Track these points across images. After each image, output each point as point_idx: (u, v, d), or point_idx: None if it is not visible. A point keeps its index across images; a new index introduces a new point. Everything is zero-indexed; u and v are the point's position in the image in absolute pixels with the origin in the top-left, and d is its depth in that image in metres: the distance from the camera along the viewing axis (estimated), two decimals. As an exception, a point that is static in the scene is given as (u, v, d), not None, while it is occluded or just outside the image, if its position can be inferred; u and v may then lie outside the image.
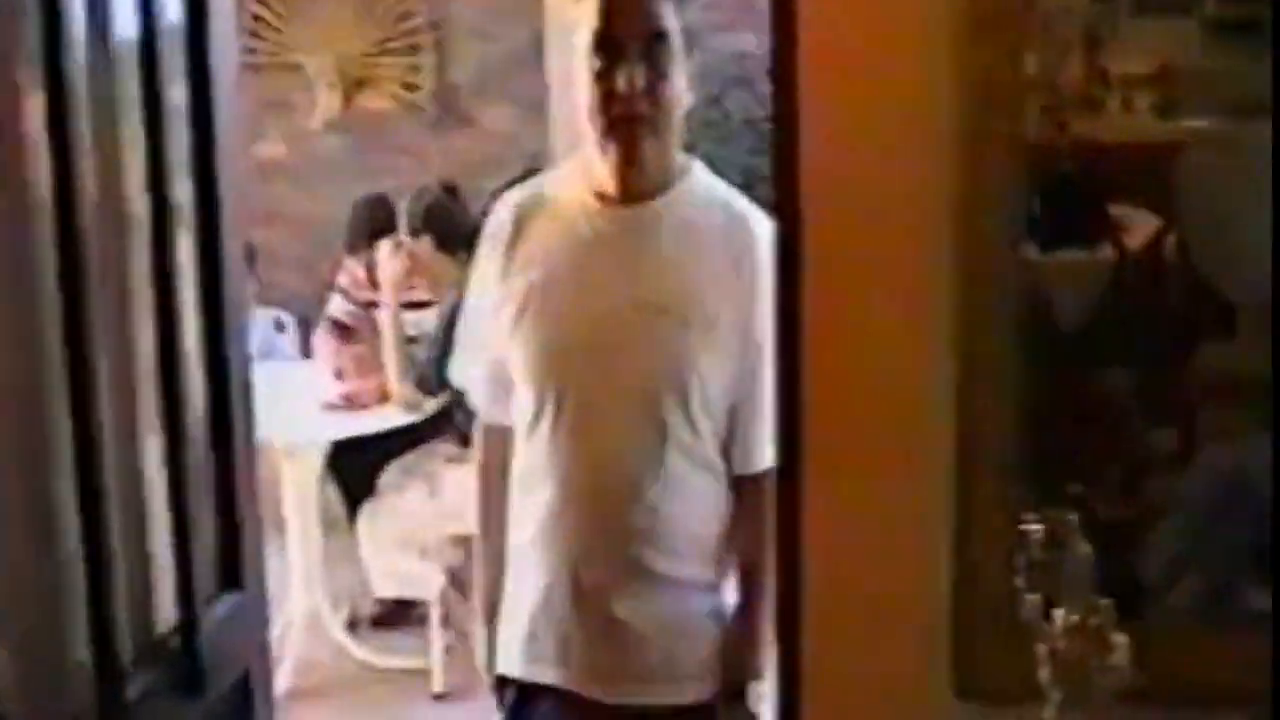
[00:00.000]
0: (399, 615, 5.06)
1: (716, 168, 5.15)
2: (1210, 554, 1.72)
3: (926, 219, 1.69)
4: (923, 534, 1.71)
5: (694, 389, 2.29)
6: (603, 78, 2.23)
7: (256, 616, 2.10)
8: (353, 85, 6.60)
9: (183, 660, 1.82)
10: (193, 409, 1.89)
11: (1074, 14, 1.70)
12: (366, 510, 4.78)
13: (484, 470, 2.57)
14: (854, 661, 1.73)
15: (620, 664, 2.38)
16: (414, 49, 6.54)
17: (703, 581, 2.42)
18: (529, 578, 2.42)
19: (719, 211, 2.48)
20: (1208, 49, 1.72)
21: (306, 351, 5.71)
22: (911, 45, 1.67)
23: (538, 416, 2.36)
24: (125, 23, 1.74)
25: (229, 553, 1.98)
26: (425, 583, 4.74)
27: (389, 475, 4.91)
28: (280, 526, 4.77)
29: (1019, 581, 1.52)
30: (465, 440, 4.63)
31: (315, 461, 4.80)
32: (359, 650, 4.86)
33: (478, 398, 2.56)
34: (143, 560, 1.82)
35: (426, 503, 4.70)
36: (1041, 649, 1.45)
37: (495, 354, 2.44)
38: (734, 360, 2.32)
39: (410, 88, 6.58)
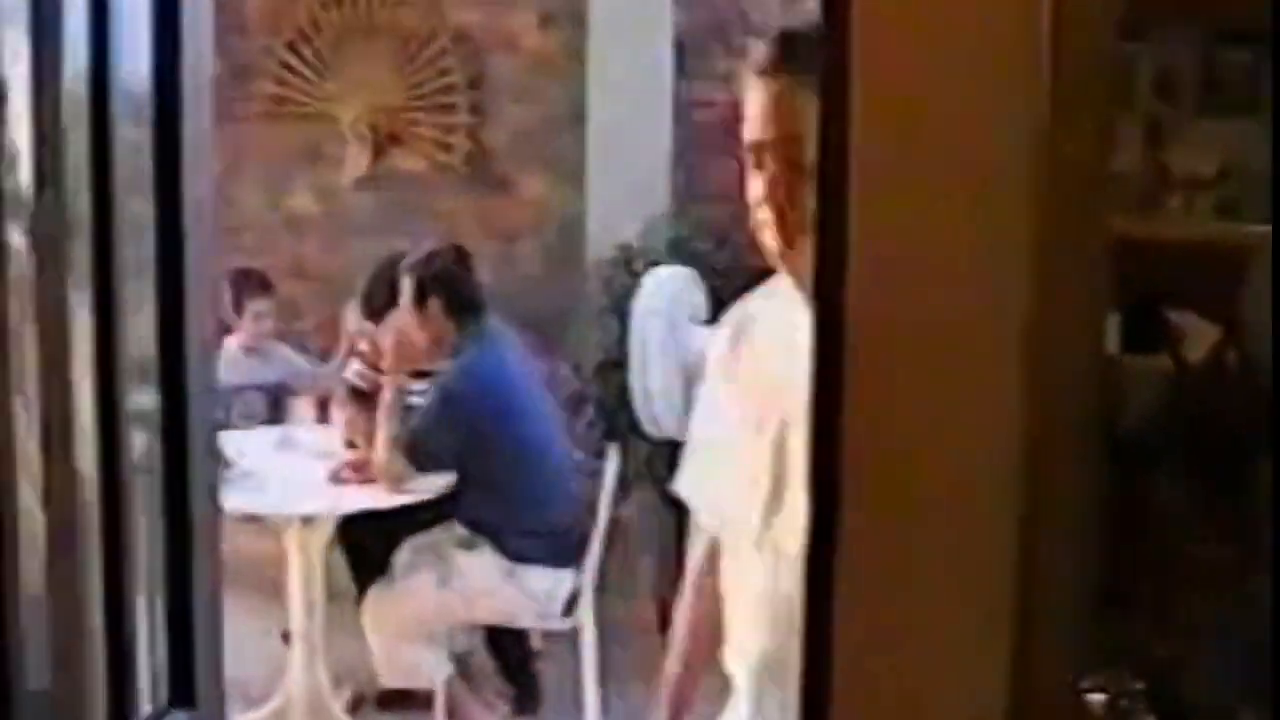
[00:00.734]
0: (405, 697, 4.96)
1: (753, 249, 5.18)
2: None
3: (995, 340, 1.62)
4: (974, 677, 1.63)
5: None
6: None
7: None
8: (385, 141, 6.59)
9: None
10: (142, 481, 1.68)
11: (1136, 109, 1.66)
12: (373, 595, 4.72)
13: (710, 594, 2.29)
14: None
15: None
16: (449, 108, 6.53)
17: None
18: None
19: None
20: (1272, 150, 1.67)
21: (324, 415, 5.70)
22: (981, 125, 1.60)
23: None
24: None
25: (180, 661, 1.72)
26: (432, 671, 4.69)
27: (402, 555, 4.85)
28: (281, 596, 4.75)
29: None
30: (476, 525, 4.64)
31: (324, 533, 4.76)
32: (362, 733, 4.79)
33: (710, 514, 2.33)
34: (73, 671, 1.60)
35: (437, 591, 4.64)
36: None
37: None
38: None
39: (444, 148, 6.56)
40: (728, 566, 2.18)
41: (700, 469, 2.28)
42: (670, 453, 4.95)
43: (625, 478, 5.02)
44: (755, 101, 1.97)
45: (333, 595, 4.92)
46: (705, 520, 2.29)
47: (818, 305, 1.65)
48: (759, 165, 1.99)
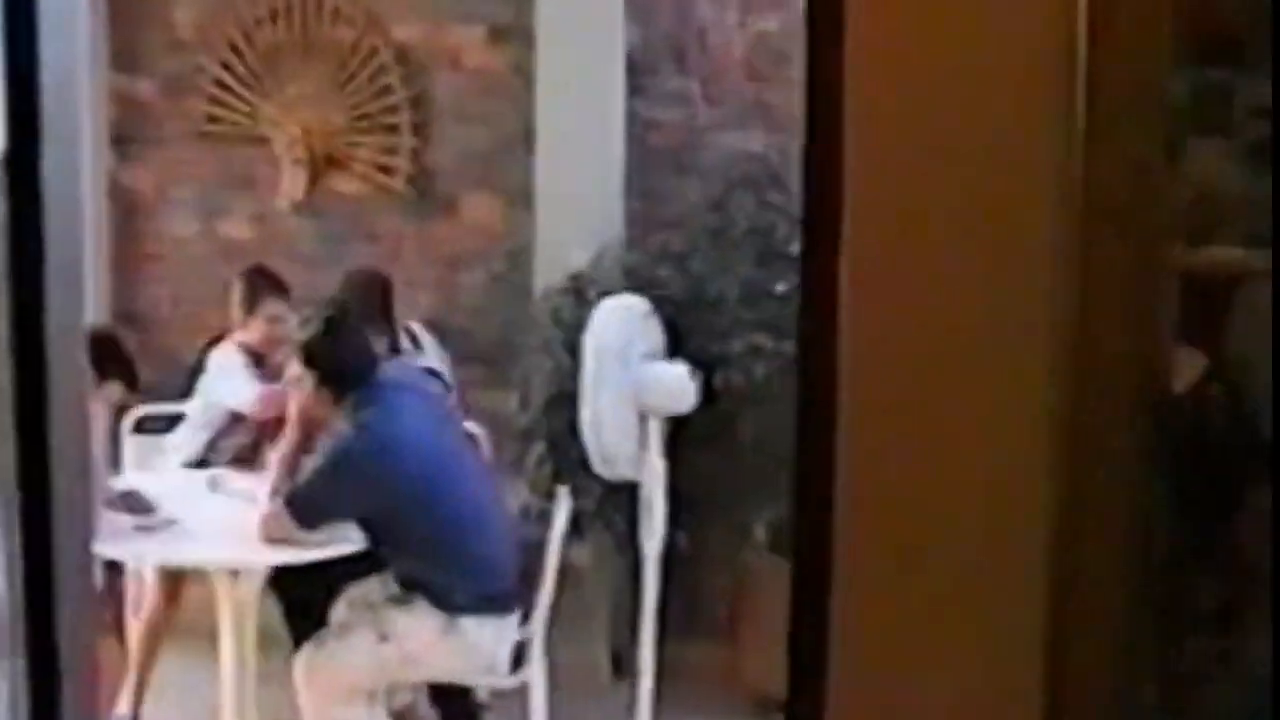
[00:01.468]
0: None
1: (714, 279, 5.15)
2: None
3: (1010, 373, 1.56)
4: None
5: None
6: None
7: None
8: (323, 164, 6.51)
9: None
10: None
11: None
12: (306, 654, 4.60)
13: None
14: None
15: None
16: (391, 129, 6.46)
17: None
18: None
19: None
20: (1251, 175, 1.64)
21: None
22: (991, 141, 1.55)
23: None
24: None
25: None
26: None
27: (338, 610, 4.79)
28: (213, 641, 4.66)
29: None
30: (408, 581, 4.56)
31: (254, 584, 4.67)
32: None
33: None
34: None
35: (373, 649, 4.53)
36: None
37: None
38: None
39: (385, 170, 6.49)
40: None
41: None
42: (625, 496, 5.04)
43: (578, 520, 4.95)
44: None
45: (268, 644, 4.83)
46: None
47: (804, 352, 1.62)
48: None
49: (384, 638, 4.50)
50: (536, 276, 5.97)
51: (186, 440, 5.60)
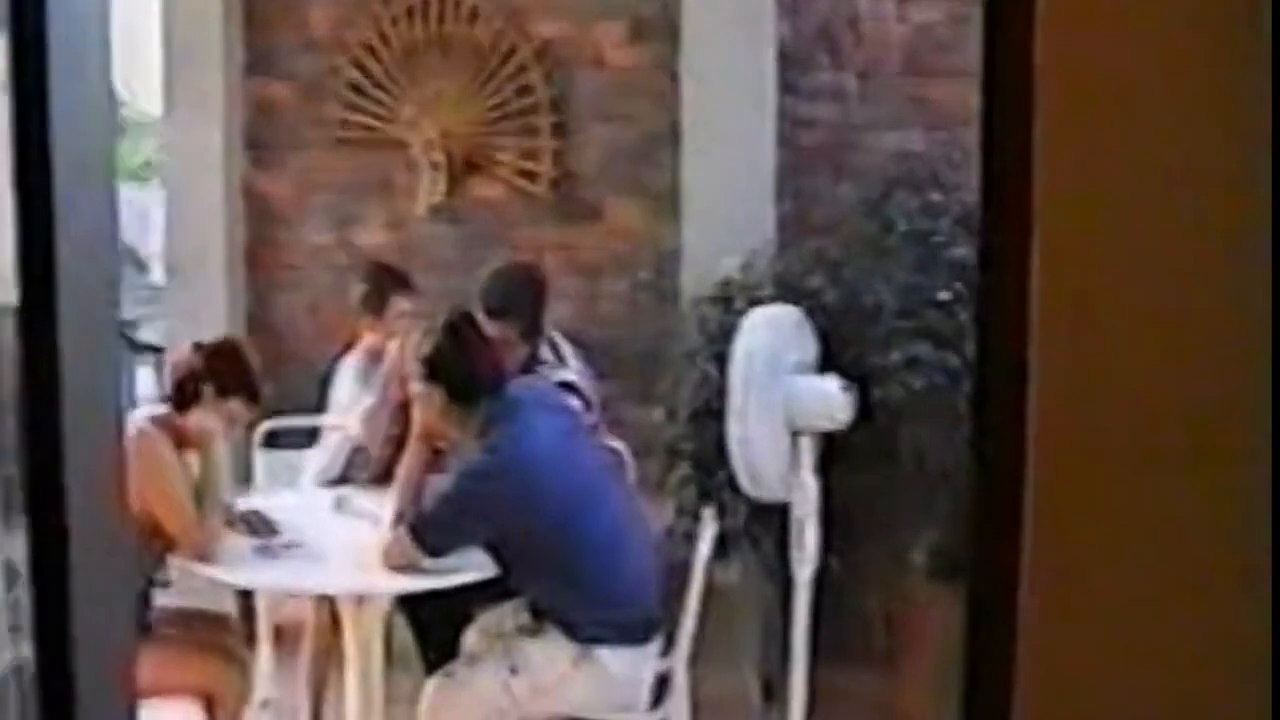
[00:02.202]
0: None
1: (870, 286, 4.92)
2: None
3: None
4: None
5: None
6: None
7: None
8: (461, 167, 6.41)
9: None
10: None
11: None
12: (433, 687, 4.43)
13: None
14: None
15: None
16: (531, 130, 6.34)
17: None
18: None
19: None
20: None
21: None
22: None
23: None
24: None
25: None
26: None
27: (469, 640, 4.65)
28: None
29: None
30: (539, 610, 4.40)
31: (379, 609, 4.56)
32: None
33: None
34: None
35: (505, 683, 4.34)
36: None
37: None
38: None
39: (526, 174, 6.37)
40: None
41: None
42: (775, 515, 4.85)
43: (724, 540, 4.75)
44: None
45: (400, 662, 4.81)
46: None
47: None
48: None
49: (514, 670, 4.32)
50: (683, 284, 5.84)
51: (322, 457, 5.51)
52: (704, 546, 4.48)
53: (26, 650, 1.53)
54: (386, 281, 5.53)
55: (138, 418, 4.47)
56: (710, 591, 4.55)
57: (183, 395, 4.45)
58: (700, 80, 5.87)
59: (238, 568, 4.40)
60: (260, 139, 6.64)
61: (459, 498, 4.30)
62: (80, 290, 1.57)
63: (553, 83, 6.30)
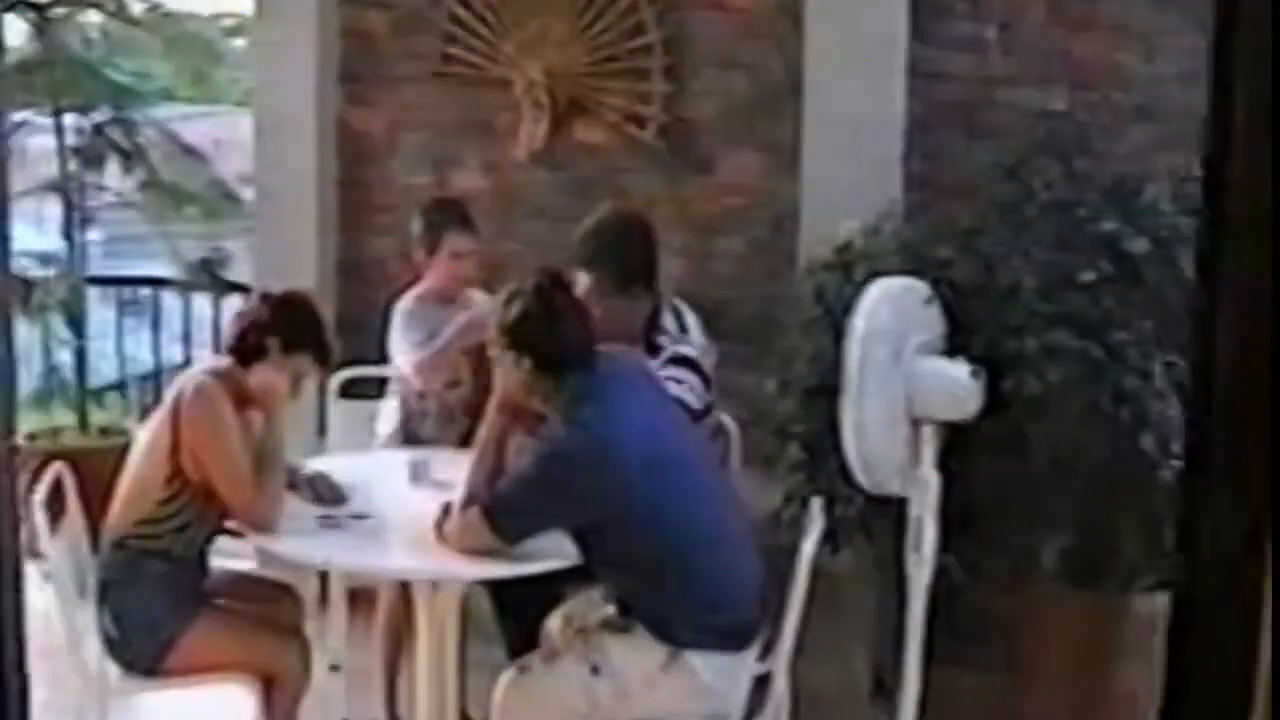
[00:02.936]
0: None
1: (1006, 261, 4.55)
2: None
3: None
4: None
5: None
6: None
7: None
8: (566, 111, 6.15)
9: None
10: None
11: None
12: (507, 681, 4.14)
13: None
14: None
15: None
16: (642, 74, 6.04)
17: None
18: None
19: None
20: None
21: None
22: None
23: None
24: None
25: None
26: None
27: (550, 629, 4.40)
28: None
29: None
30: (625, 606, 4.09)
31: (456, 595, 4.29)
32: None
33: None
34: None
35: (586, 683, 4.03)
36: None
37: None
38: None
39: (635, 120, 6.08)
40: None
41: None
42: (892, 507, 4.53)
43: (834, 531, 4.41)
44: None
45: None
46: None
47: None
48: None
49: (596, 670, 4.00)
50: (801, 246, 5.55)
51: (389, 418, 5.29)
52: (809, 545, 4.13)
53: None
54: (440, 217, 5.29)
55: (196, 372, 4.25)
56: (817, 582, 4.22)
57: (246, 349, 4.22)
58: (825, 26, 5.59)
59: (298, 541, 4.15)
60: (354, 71, 6.45)
61: (540, 479, 3.97)
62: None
63: (666, 23, 6.01)
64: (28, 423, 6.51)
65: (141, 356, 7.83)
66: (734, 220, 6.01)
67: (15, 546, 1.72)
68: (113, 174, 6.49)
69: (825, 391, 4.72)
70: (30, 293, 6.30)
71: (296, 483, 4.39)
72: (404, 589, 4.78)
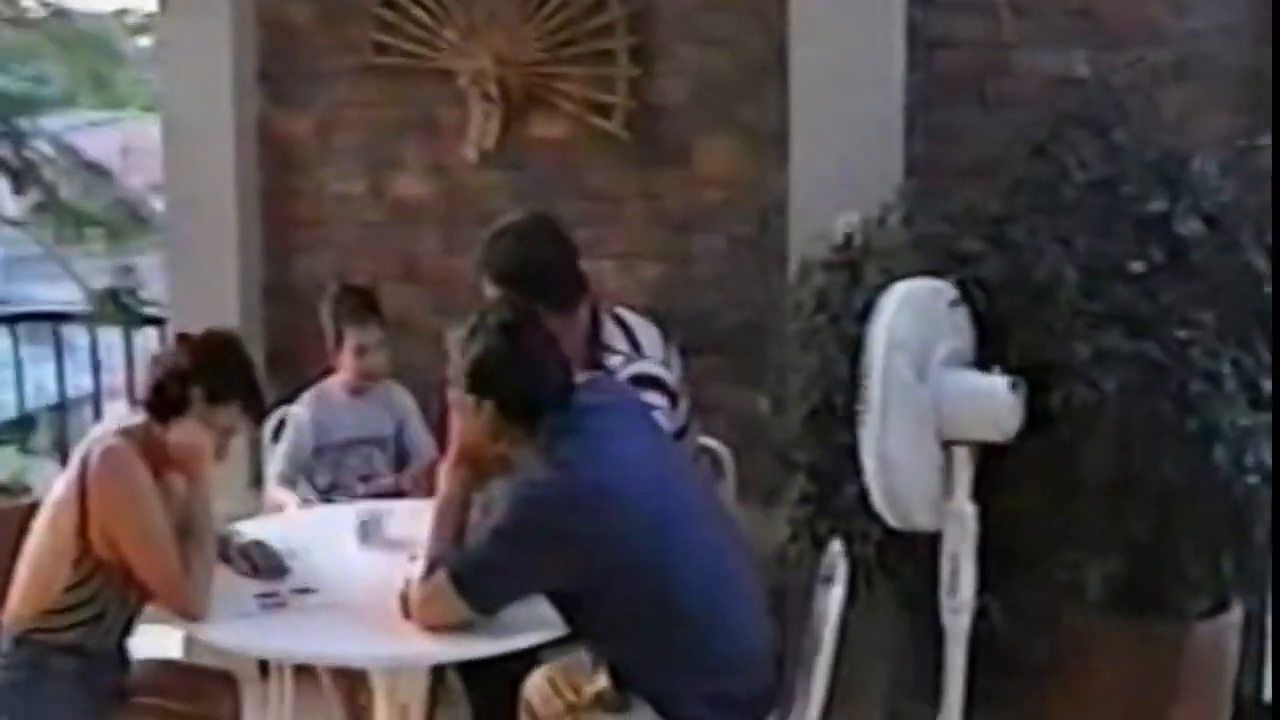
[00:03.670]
0: None
1: (1042, 252, 4.22)
2: None
3: None
4: None
5: None
6: None
7: None
8: (519, 102, 5.83)
9: None
10: None
11: None
12: None
13: None
14: None
15: None
16: (604, 56, 5.70)
17: None
18: None
19: None
20: None
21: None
22: None
23: None
24: None
25: None
26: None
27: (533, 697, 4.02)
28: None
29: None
30: (622, 678, 3.74)
31: (422, 683, 3.94)
32: None
33: None
34: None
35: None
36: None
37: None
38: None
39: (598, 109, 5.74)
40: None
41: None
42: (916, 541, 4.21)
43: (854, 581, 4.05)
44: None
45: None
46: None
47: None
48: None
49: None
50: (792, 243, 5.21)
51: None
52: (834, 599, 3.75)
53: None
54: (340, 309, 5.29)
55: (106, 431, 3.84)
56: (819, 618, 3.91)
57: (164, 403, 3.81)
58: (812, -9, 5.26)
59: (235, 627, 3.74)
60: (275, 67, 6.10)
61: (517, 532, 3.56)
62: None
63: (632, -2, 5.71)
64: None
65: (46, 386, 7.43)
66: (714, 216, 5.70)
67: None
68: (2, 192, 6.09)
69: (832, 412, 4.40)
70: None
71: (229, 554, 4.01)
72: (348, 695, 4.65)
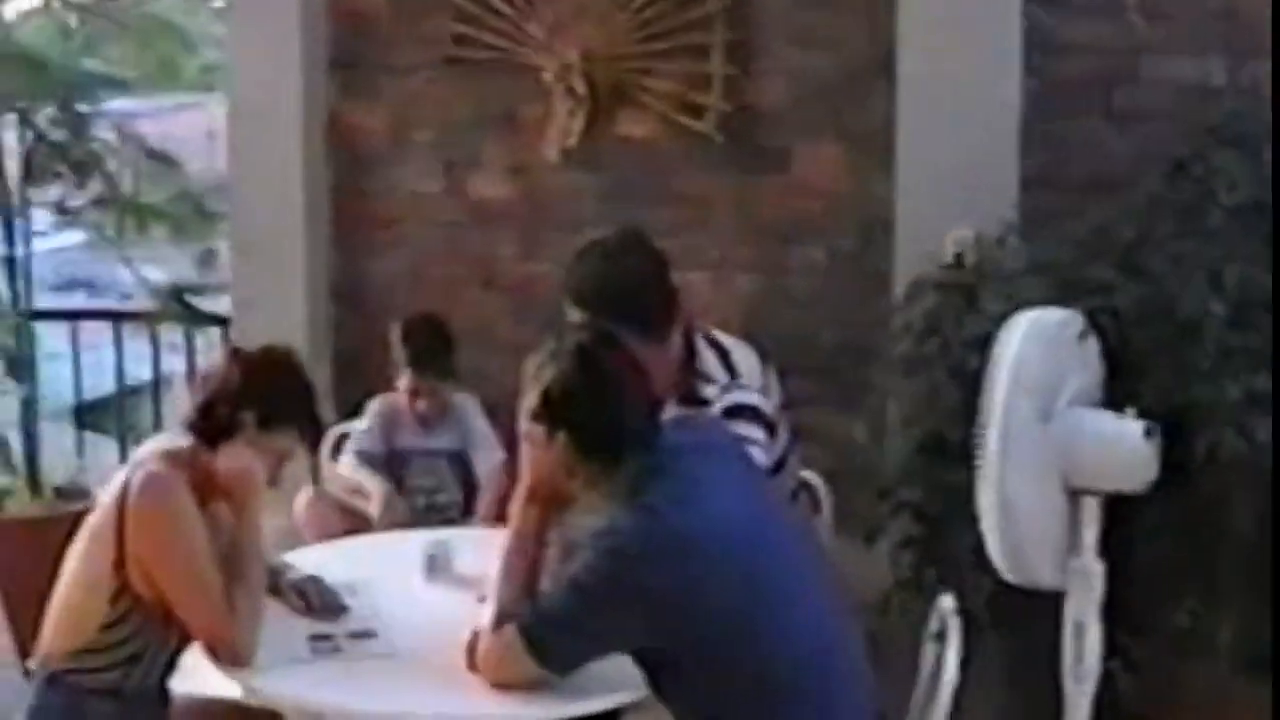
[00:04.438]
0: None
1: (1183, 283, 3.88)
2: None
3: None
4: None
5: None
6: None
7: None
8: (606, 100, 5.69)
9: None
10: None
11: None
12: None
13: None
14: None
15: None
16: (699, 51, 5.54)
17: None
18: None
19: None
20: None
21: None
22: None
23: None
24: None
25: None
26: None
27: None
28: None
29: None
30: None
31: None
32: None
33: None
34: None
35: None
36: None
37: None
38: None
39: (690, 108, 5.59)
40: None
41: None
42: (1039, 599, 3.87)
43: (967, 642, 3.72)
44: None
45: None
46: None
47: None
48: None
49: None
50: (898, 260, 5.06)
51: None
52: (947, 669, 3.40)
53: None
54: (405, 346, 5.20)
55: (150, 453, 3.55)
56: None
57: (213, 425, 3.52)
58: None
59: (284, 676, 3.42)
60: (348, 58, 6.02)
61: (595, 589, 3.25)
62: None
63: (730, -12, 5.60)
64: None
65: (103, 382, 7.21)
66: (813, 227, 5.57)
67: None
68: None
69: (943, 450, 4.13)
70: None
71: (281, 587, 3.71)
72: None
